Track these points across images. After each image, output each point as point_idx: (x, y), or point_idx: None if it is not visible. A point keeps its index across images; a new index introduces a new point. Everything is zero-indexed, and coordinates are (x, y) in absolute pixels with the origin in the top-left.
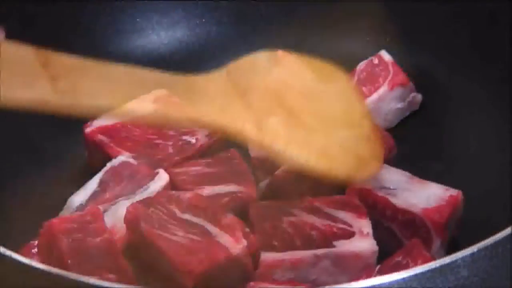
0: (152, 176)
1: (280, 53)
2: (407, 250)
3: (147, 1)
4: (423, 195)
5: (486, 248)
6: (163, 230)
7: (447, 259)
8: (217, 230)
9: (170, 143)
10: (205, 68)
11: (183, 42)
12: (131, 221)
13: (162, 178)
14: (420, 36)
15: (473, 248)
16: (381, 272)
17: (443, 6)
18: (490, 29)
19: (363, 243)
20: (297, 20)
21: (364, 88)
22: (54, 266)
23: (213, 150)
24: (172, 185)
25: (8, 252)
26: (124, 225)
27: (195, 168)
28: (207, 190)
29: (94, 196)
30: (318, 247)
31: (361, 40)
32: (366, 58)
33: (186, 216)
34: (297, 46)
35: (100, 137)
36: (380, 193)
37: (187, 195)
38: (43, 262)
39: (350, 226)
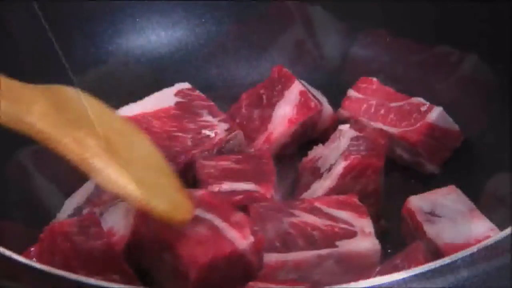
0: None
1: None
2: (407, 253)
3: (147, 1)
4: (460, 230)
5: (486, 248)
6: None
7: (447, 259)
8: (226, 225)
9: (189, 136)
10: (205, 68)
11: (183, 42)
12: (140, 215)
13: None
14: None
15: (473, 248)
16: (381, 273)
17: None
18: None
19: (366, 242)
20: (297, 20)
21: None
22: (58, 269)
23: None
24: (198, 176)
25: (8, 253)
26: (123, 226)
27: (224, 163)
28: (225, 186)
29: (91, 198)
30: (320, 247)
31: (361, 40)
32: (367, 58)
33: (196, 212)
34: (297, 46)
35: None
36: (421, 217)
37: (199, 192)
38: None
39: (352, 225)
